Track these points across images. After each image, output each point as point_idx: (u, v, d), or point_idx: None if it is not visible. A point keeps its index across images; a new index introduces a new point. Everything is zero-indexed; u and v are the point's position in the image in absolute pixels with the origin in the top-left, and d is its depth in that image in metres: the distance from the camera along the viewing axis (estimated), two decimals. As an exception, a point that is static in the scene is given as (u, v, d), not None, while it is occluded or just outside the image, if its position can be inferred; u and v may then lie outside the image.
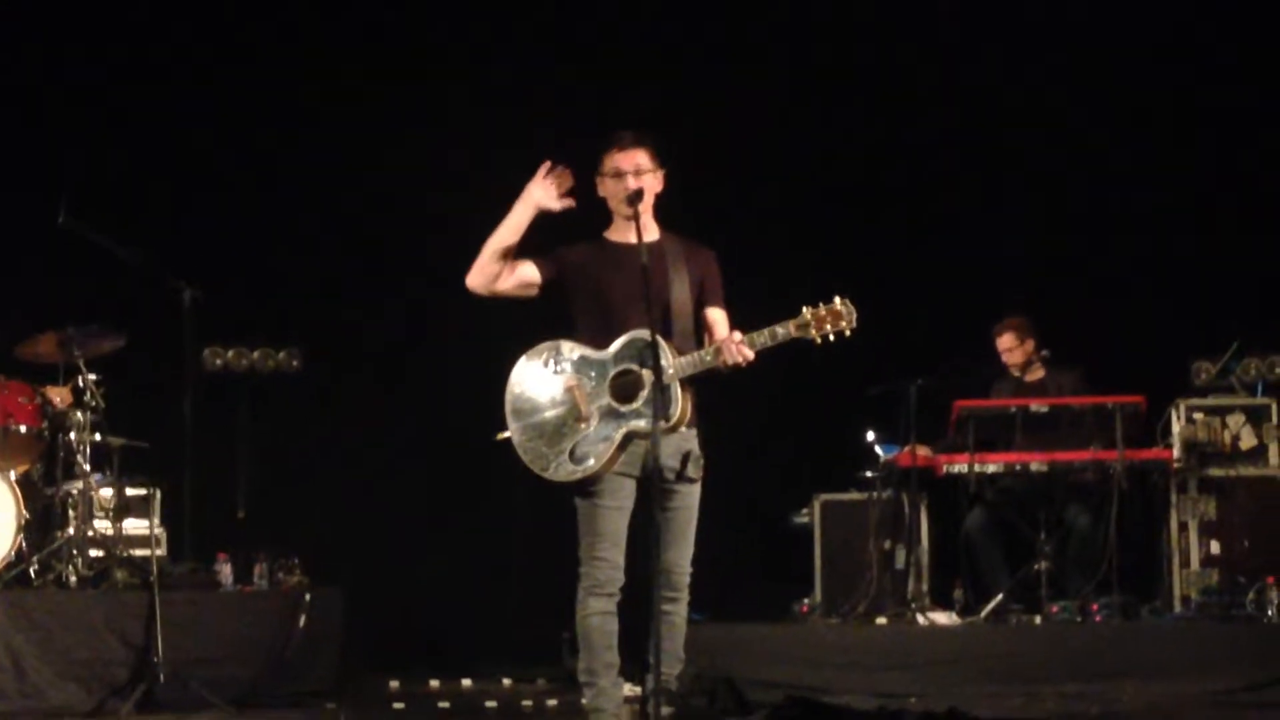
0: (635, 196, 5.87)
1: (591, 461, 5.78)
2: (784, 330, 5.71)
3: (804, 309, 5.70)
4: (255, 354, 9.92)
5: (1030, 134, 10.20)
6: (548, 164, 5.88)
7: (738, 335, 5.73)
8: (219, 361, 9.85)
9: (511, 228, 5.89)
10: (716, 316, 5.99)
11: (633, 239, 5.84)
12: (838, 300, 5.71)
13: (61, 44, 10.16)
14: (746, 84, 10.28)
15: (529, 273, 5.95)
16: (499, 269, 5.91)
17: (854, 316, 5.70)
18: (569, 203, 5.88)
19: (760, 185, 10.38)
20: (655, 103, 9.63)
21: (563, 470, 5.81)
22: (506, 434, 5.91)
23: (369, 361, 10.38)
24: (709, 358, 5.75)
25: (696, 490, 5.89)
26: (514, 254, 5.92)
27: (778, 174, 10.36)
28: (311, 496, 10.00)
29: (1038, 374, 9.34)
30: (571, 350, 5.91)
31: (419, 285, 10.15)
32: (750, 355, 5.71)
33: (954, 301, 9.98)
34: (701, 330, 5.96)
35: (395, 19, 10.46)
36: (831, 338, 5.70)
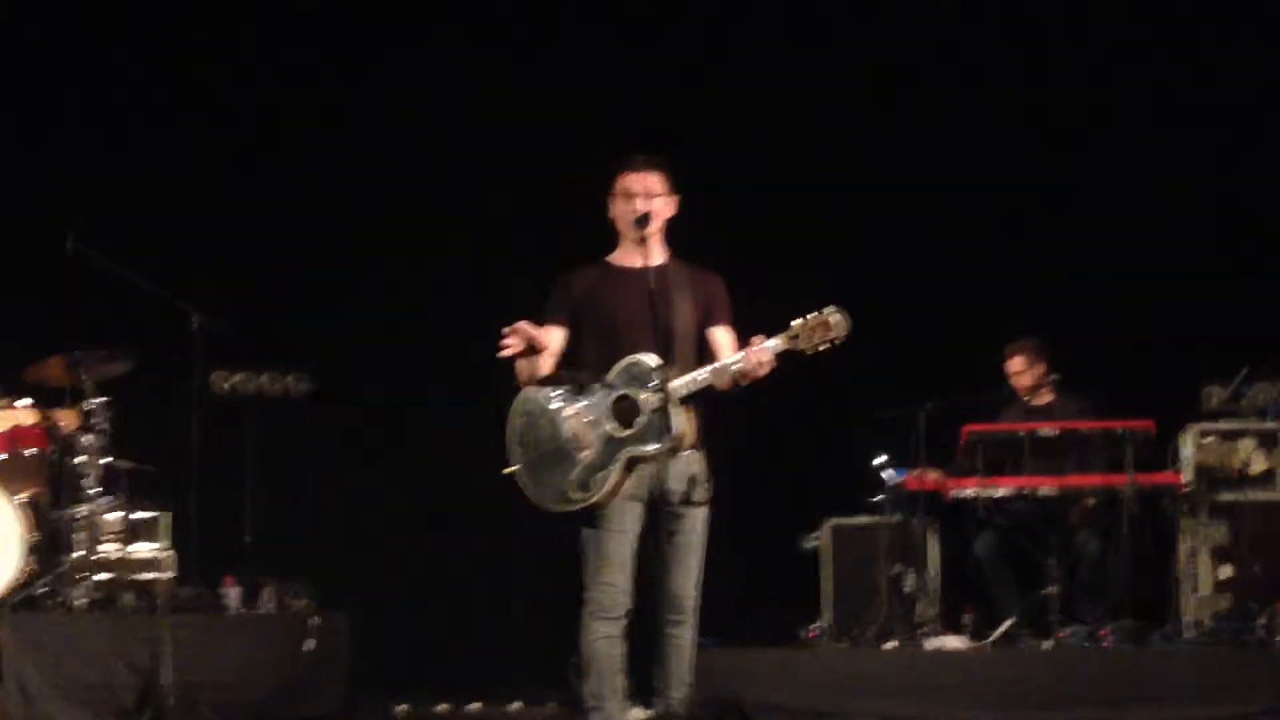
0: (643, 220, 5.89)
1: (594, 489, 5.77)
2: (773, 343, 5.65)
3: (793, 321, 5.65)
4: (263, 377, 9.81)
5: (1043, 154, 10.16)
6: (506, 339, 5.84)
7: (760, 339, 5.67)
8: (226, 385, 9.75)
9: (525, 369, 5.92)
10: (723, 338, 5.98)
11: (638, 262, 5.88)
12: (828, 310, 5.63)
13: (70, 67, 10.18)
14: (751, 95, 10.27)
15: (558, 341, 5.98)
16: (538, 372, 5.94)
17: (845, 327, 5.62)
18: (539, 346, 5.87)
19: (763, 200, 10.35)
20: (661, 116, 9.73)
21: (567, 500, 5.82)
22: (513, 468, 5.92)
23: (378, 386, 10.36)
24: (706, 377, 5.72)
25: (703, 514, 5.88)
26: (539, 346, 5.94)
27: (781, 189, 10.33)
28: (319, 521, 9.97)
29: (1047, 398, 9.32)
30: (571, 380, 5.90)
31: (430, 310, 10.19)
32: (770, 363, 5.65)
33: (964, 324, 9.94)
34: (705, 355, 5.93)
35: (409, 41, 10.46)
36: (823, 349, 5.62)
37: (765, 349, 5.65)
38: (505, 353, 5.82)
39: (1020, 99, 10.15)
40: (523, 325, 5.83)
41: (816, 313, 5.64)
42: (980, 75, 10.22)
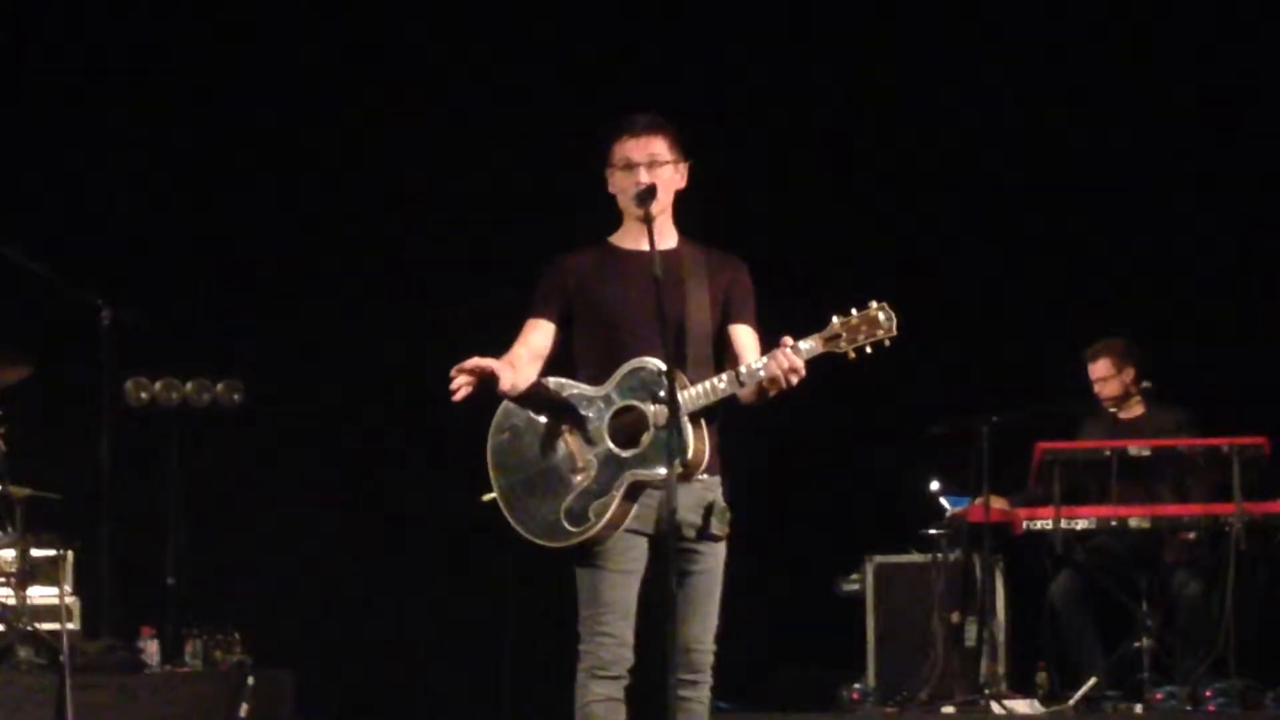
0: (648, 194, 5.88)
1: (591, 520, 5.80)
2: (809, 345, 5.69)
3: (833, 318, 5.70)
4: (189, 386, 9.82)
5: (1125, 126, 10.34)
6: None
7: (789, 341, 5.70)
8: (144, 395, 9.75)
9: (505, 376, 5.93)
10: (744, 337, 5.99)
11: (644, 245, 5.86)
12: (873, 305, 5.68)
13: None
14: (791, 59, 10.44)
15: (545, 341, 6.02)
16: (522, 380, 5.97)
17: (894, 324, 5.66)
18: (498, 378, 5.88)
19: (792, 173, 10.49)
20: (681, 85, 9.90)
21: (558, 533, 5.85)
22: (492, 494, 5.96)
23: (326, 396, 10.44)
24: (724, 385, 5.76)
25: (721, 550, 5.92)
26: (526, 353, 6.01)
27: (814, 158, 10.47)
28: (256, 558, 10.05)
29: (1136, 410, 9.42)
30: (563, 388, 5.94)
31: (386, 307, 10.33)
32: (801, 370, 5.67)
33: (1035, 321, 10.09)
34: (723, 356, 5.97)
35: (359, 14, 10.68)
36: (868, 350, 5.67)
37: (797, 352, 5.68)
38: (458, 396, 5.83)
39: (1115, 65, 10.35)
40: (474, 361, 5.83)
41: (859, 308, 5.69)
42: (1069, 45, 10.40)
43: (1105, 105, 10.40)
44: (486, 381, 5.85)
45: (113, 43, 10.49)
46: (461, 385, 5.82)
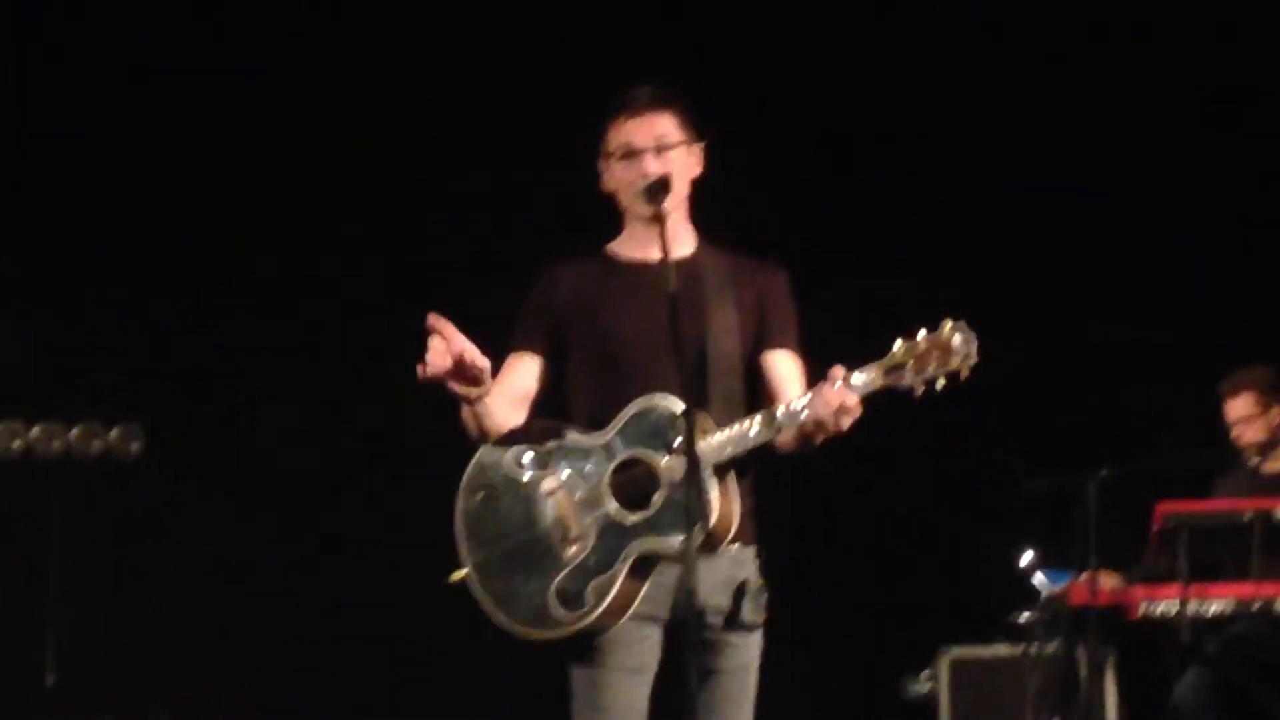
0: (658, 186, 5.88)
1: (588, 604, 5.76)
2: (866, 377, 5.66)
3: (897, 343, 5.67)
4: (74, 433, 9.87)
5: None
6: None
7: (841, 372, 5.65)
8: (18, 443, 9.83)
9: (472, 420, 5.93)
10: (783, 367, 5.98)
11: (655, 254, 5.87)
12: (947, 325, 5.65)
13: None
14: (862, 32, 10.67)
15: (529, 381, 6.01)
16: (499, 424, 5.95)
17: (975, 350, 5.63)
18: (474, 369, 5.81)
19: (843, 165, 10.66)
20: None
21: (547, 621, 5.81)
22: (463, 572, 5.92)
23: (246, 446, 10.59)
24: (757, 430, 5.72)
25: (756, 642, 5.94)
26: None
27: (889, 166, 10.68)
28: (159, 645, 10.12)
29: (1285, 462, 9.48)
30: (552, 435, 5.91)
31: (323, 331, 10.51)
32: (856, 409, 5.65)
33: (1151, 352, 10.23)
34: (756, 392, 5.96)
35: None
36: (941, 385, 5.64)
37: (850, 386, 5.65)
38: (429, 369, 5.77)
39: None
40: (456, 337, 5.76)
41: (929, 329, 5.67)
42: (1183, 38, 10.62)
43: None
44: (464, 372, 5.76)
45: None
46: (435, 357, 5.73)
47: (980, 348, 5.60)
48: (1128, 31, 10.73)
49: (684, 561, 5.59)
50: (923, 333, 5.65)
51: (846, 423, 5.65)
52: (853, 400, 5.63)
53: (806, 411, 5.67)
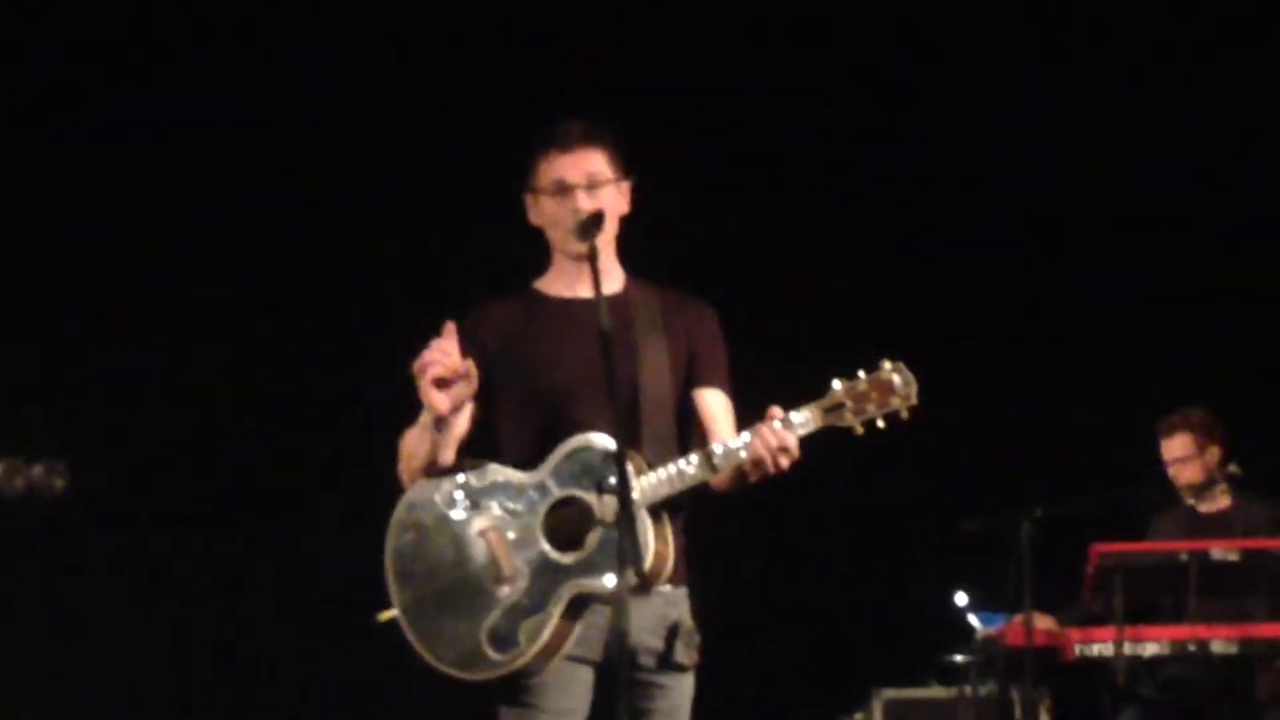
0: (591, 222, 5.88)
1: (522, 646, 5.77)
2: (803, 417, 5.71)
3: (835, 383, 5.72)
4: None
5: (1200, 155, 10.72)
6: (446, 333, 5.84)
7: (778, 412, 5.71)
8: None
9: (425, 445, 5.91)
10: (714, 405, 6.01)
11: (584, 291, 5.94)
12: (886, 366, 5.74)
13: None
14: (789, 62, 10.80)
15: (460, 422, 5.93)
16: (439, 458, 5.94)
17: (914, 391, 5.71)
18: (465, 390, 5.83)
19: (772, 200, 10.78)
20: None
21: (479, 662, 5.80)
22: (392, 612, 5.92)
23: (171, 484, 10.55)
24: (692, 469, 5.75)
25: (689, 683, 5.93)
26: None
27: (803, 183, 10.78)
28: (80, 686, 10.12)
29: (1222, 503, 9.50)
30: (484, 474, 5.91)
31: (256, 362, 10.47)
32: (794, 450, 5.69)
33: (1092, 396, 10.37)
34: (688, 431, 5.98)
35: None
36: (880, 424, 5.70)
37: (788, 426, 5.70)
38: (429, 363, 5.74)
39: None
40: (453, 339, 5.78)
41: (868, 370, 5.73)
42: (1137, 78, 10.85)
43: (1157, 145, 10.87)
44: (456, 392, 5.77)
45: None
46: (440, 356, 5.74)
47: (918, 389, 5.68)
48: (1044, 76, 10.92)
49: (616, 603, 5.60)
50: (862, 373, 5.72)
51: (785, 463, 5.69)
52: (792, 440, 5.68)
53: (744, 451, 5.70)
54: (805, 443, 5.67)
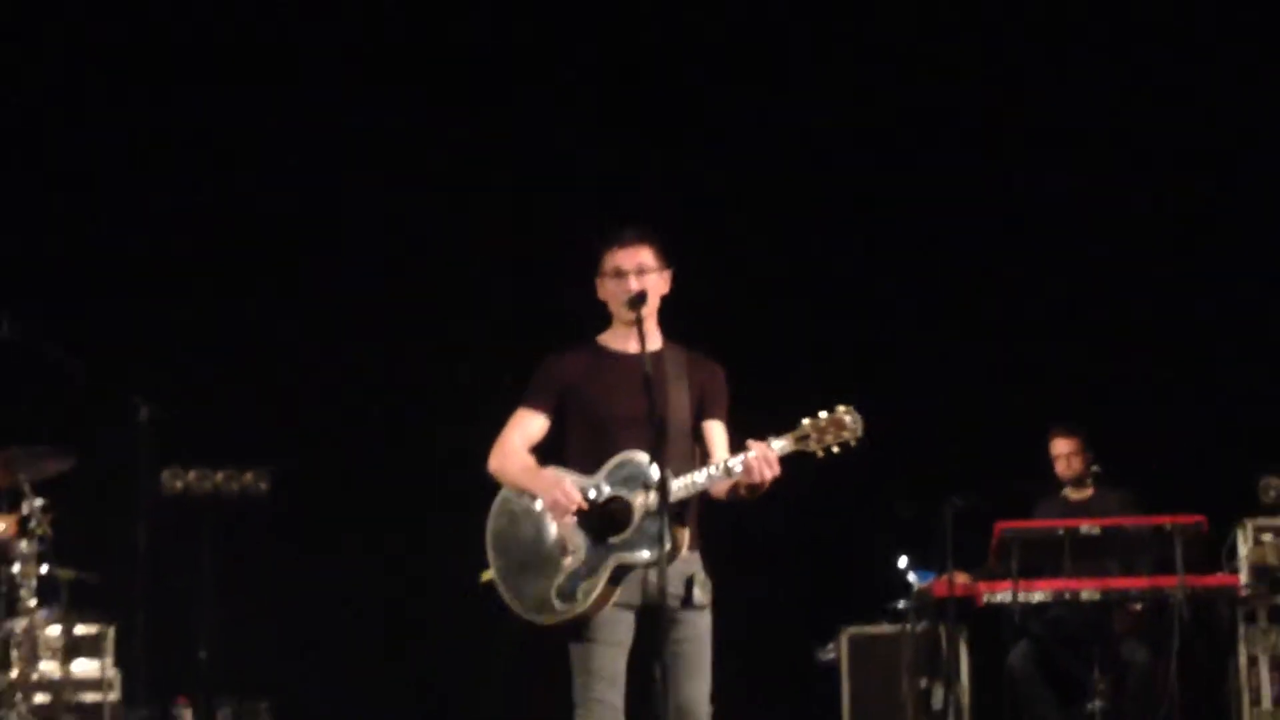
0: (638, 299, 6.02)
1: (579, 600, 5.90)
2: (781, 443, 5.82)
3: (803, 420, 5.83)
4: (219, 476, 9.88)
5: (1079, 228, 10.41)
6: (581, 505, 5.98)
7: (774, 444, 5.81)
8: (179, 484, 9.81)
9: (524, 487, 6.08)
10: (715, 433, 6.12)
11: (633, 347, 6.03)
12: (840, 409, 5.83)
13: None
14: (738, 176, 10.57)
15: (538, 432, 6.14)
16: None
17: (860, 427, 5.81)
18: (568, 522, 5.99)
19: (762, 276, 10.62)
20: (646, 184, 10.22)
21: (550, 610, 5.93)
22: (490, 574, 6.04)
23: (345, 486, 10.53)
24: (704, 479, 5.88)
25: (707, 617, 6.03)
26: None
27: (782, 258, 10.64)
28: (282, 634, 10.13)
29: (1087, 492, 9.52)
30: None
31: (399, 400, 10.49)
32: (776, 467, 5.79)
33: (993, 410, 10.12)
34: (699, 451, 6.10)
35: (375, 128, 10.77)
36: (835, 450, 5.82)
37: (772, 452, 5.81)
38: (568, 507, 5.93)
39: (1059, 161, 10.46)
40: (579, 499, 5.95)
41: (827, 411, 5.83)
42: (1025, 136, 10.51)
43: (1042, 186, 10.51)
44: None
45: (153, 126, 10.60)
46: (573, 505, 5.93)
47: (864, 426, 5.80)
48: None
49: (660, 570, 5.78)
50: (823, 413, 5.84)
51: (768, 474, 5.79)
52: (774, 455, 5.80)
53: (741, 465, 5.82)
54: (783, 461, 5.81)
